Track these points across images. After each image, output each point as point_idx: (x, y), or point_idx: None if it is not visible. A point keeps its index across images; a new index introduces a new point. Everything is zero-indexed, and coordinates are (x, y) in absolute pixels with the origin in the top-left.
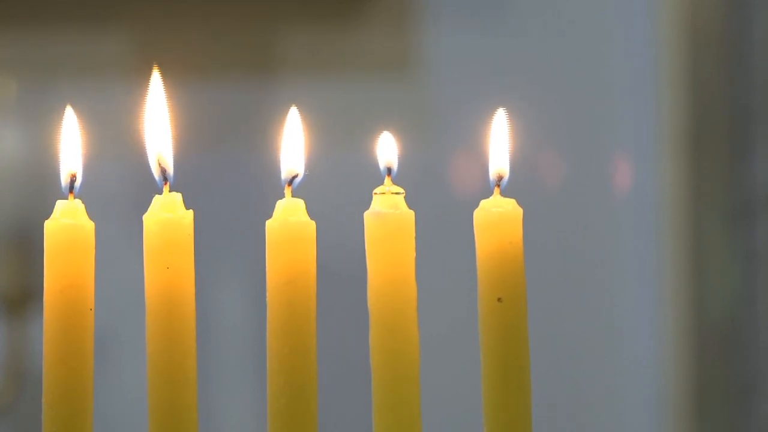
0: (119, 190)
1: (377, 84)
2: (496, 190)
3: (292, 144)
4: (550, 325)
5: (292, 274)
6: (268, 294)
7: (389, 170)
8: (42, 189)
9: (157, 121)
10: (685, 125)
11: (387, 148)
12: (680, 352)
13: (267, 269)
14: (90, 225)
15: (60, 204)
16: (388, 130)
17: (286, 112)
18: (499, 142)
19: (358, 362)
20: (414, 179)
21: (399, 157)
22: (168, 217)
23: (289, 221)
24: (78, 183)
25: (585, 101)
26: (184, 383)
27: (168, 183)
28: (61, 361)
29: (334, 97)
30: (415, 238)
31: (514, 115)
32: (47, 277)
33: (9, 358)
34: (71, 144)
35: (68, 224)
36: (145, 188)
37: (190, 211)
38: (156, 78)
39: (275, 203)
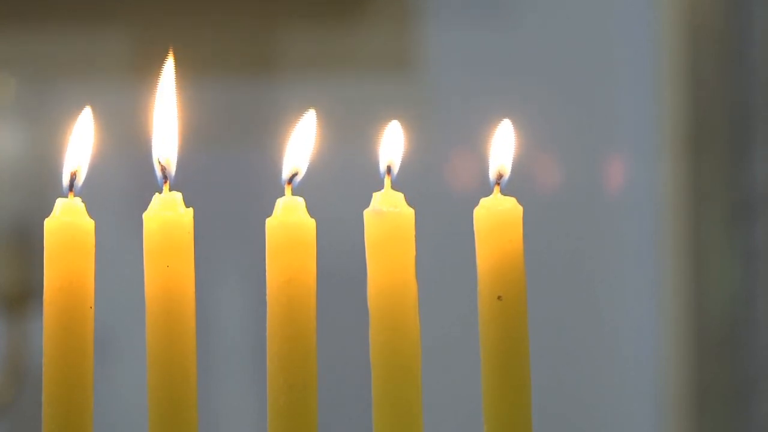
0: (119, 188)
1: (378, 82)
2: (496, 189)
3: (299, 143)
4: (550, 324)
5: (292, 272)
6: (268, 293)
7: (389, 169)
8: (42, 187)
9: (161, 119)
10: (685, 125)
11: (393, 140)
12: (680, 352)
13: (267, 268)
14: (90, 223)
15: (60, 202)
16: (392, 124)
17: (287, 111)
18: (503, 144)
19: (358, 361)
20: (414, 177)
21: (400, 155)
22: (168, 215)
23: (289, 219)
24: (81, 181)
25: (585, 100)
26: (184, 382)
27: (168, 181)
28: (61, 360)
29: (335, 95)
30: (416, 236)
31: (513, 114)
32: (47, 275)
33: (9, 356)
34: (78, 142)
35: (68, 223)
36: (145, 187)
37: (190, 210)
38: (166, 75)
39: (275, 201)
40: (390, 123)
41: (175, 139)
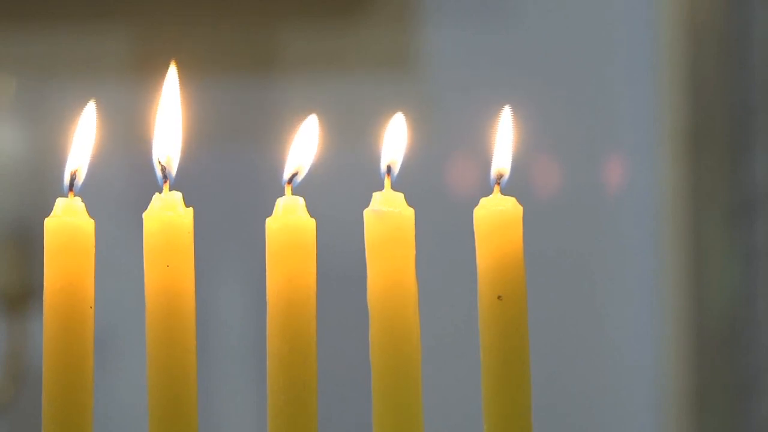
0: (119, 188)
1: (378, 81)
2: (497, 189)
3: (301, 146)
4: (549, 324)
5: (292, 272)
6: (268, 292)
7: (389, 169)
8: (42, 187)
9: (161, 119)
10: (684, 124)
11: (395, 135)
12: (680, 351)
13: (267, 268)
14: (90, 223)
15: (60, 202)
16: (396, 118)
17: (287, 110)
18: (502, 140)
19: (358, 361)
20: (414, 177)
21: (402, 150)
22: (168, 215)
23: (289, 219)
24: (81, 180)
25: (585, 99)
26: (184, 382)
27: (168, 181)
28: (61, 359)
29: (335, 94)
30: (415, 236)
31: (513, 113)
32: (47, 275)
33: (9, 355)
34: (79, 140)
35: (68, 222)
36: (146, 186)
37: (190, 210)
38: (166, 76)
39: (275, 201)
40: (393, 117)
41: (176, 139)
